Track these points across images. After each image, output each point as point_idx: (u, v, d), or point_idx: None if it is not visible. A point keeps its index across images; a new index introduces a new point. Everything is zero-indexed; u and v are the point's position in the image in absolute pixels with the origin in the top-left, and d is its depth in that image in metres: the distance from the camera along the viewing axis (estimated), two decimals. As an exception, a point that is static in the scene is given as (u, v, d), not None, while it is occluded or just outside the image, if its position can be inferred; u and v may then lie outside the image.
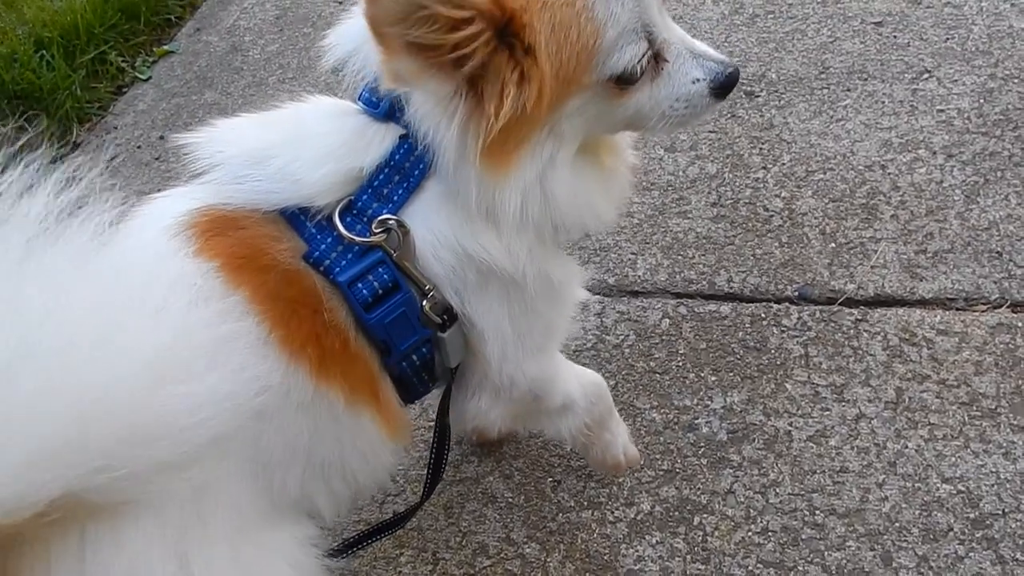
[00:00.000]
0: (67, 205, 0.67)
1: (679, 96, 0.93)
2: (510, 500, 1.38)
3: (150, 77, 2.63)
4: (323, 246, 0.88)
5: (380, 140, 0.90)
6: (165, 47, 2.72)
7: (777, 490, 1.31)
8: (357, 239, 0.87)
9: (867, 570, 1.20)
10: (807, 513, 1.27)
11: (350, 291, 0.88)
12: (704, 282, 1.62)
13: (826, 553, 1.22)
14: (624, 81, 0.88)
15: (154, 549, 0.67)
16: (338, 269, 0.88)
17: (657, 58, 0.91)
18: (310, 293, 0.86)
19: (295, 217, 0.89)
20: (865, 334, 1.48)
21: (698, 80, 0.93)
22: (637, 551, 1.27)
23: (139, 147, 2.37)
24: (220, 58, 2.62)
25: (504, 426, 1.17)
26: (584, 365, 1.51)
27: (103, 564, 0.63)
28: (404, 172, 0.90)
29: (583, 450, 1.31)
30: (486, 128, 0.82)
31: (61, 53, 2.52)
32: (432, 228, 0.91)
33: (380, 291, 0.89)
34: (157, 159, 2.31)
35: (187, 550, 0.70)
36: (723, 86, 0.94)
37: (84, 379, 0.61)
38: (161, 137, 2.37)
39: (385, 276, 0.89)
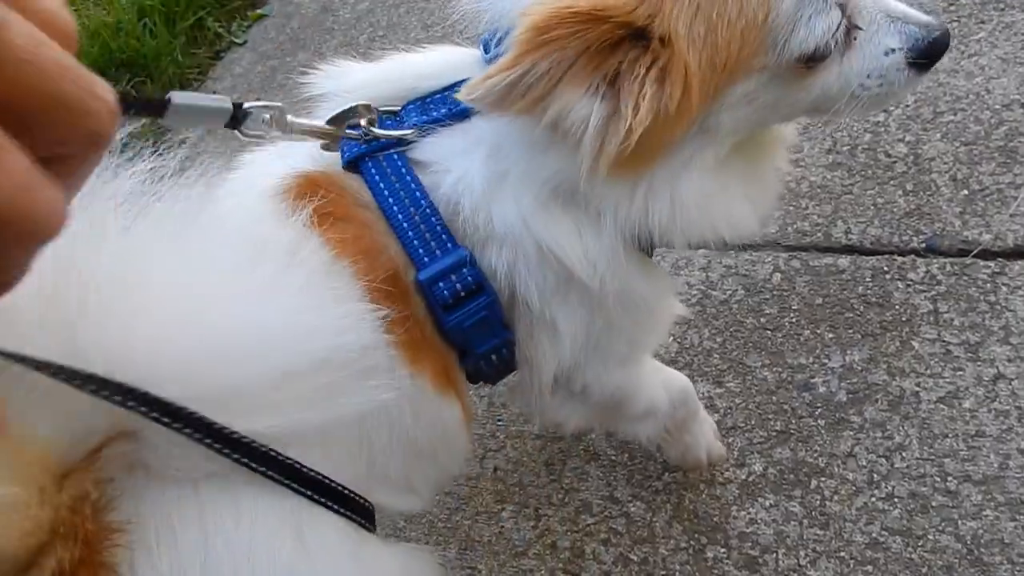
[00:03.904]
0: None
1: (870, 71, 0.76)
2: (613, 458, 1.34)
3: (246, 41, 2.68)
4: (353, 148, 0.83)
5: (462, 72, 0.80)
6: (259, 11, 2.75)
7: (903, 454, 1.22)
8: (353, 132, 0.81)
9: (1007, 541, 1.10)
10: (938, 479, 1.18)
11: (431, 291, 0.81)
12: (819, 234, 1.51)
13: (960, 522, 1.13)
14: (813, 60, 0.73)
15: (272, 519, 0.65)
16: (418, 246, 0.81)
17: (849, 26, 0.74)
18: (390, 268, 0.81)
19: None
20: (1004, 288, 1.35)
21: (892, 50, 0.75)
22: (749, 513, 1.22)
23: (237, 110, 2.41)
24: (312, 19, 2.64)
25: (579, 427, 1.10)
26: (688, 321, 1.46)
27: (224, 532, 0.61)
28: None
29: (663, 448, 1.26)
30: (623, 135, 0.69)
31: (162, 20, 2.58)
32: (500, 201, 0.80)
33: (462, 292, 0.81)
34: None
35: (302, 523, 0.67)
36: (926, 55, 0.76)
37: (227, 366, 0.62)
38: (258, 99, 2.41)
39: (469, 278, 0.81)
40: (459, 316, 0.82)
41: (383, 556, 0.77)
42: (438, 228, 0.81)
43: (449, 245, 0.81)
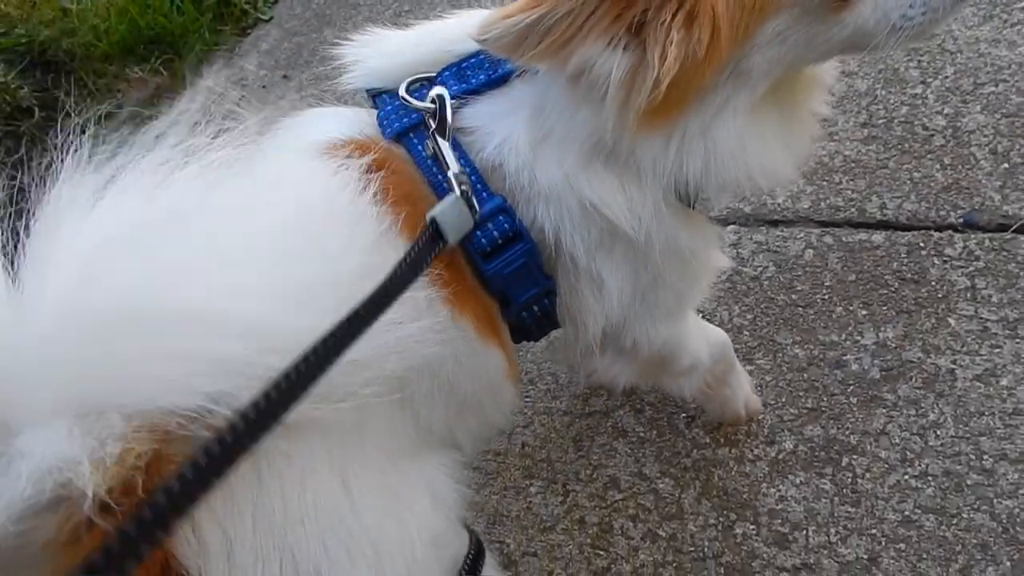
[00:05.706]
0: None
1: (913, 0, 0.74)
2: (642, 435, 1.34)
3: (272, 17, 2.67)
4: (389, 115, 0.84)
5: None
6: (284, -13, 2.74)
7: (938, 432, 1.20)
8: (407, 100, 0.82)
9: (1045, 521, 1.09)
10: (973, 457, 1.16)
11: (468, 239, 0.81)
12: (853, 209, 1.49)
13: (996, 501, 1.12)
14: None
15: (321, 467, 0.67)
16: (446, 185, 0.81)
17: None
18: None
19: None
20: (1045, 264, 1.31)
21: None
22: (779, 491, 1.21)
23: (264, 87, 2.41)
24: (337, -6, 2.62)
25: (629, 382, 1.12)
26: (718, 298, 1.44)
27: (277, 473, 0.64)
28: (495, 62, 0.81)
29: (702, 403, 1.27)
30: (651, 85, 0.68)
31: (189, -3, 2.59)
32: (542, 161, 0.81)
33: (500, 240, 0.82)
34: (282, 98, 2.35)
35: (347, 473, 0.70)
36: None
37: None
38: (285, 76, 2.41)
39: (505, 225, 0.82)
40: (498, 264, 0.83)
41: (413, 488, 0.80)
42: (472, 179, 0.81)
43: (484, 195, 0.81)
